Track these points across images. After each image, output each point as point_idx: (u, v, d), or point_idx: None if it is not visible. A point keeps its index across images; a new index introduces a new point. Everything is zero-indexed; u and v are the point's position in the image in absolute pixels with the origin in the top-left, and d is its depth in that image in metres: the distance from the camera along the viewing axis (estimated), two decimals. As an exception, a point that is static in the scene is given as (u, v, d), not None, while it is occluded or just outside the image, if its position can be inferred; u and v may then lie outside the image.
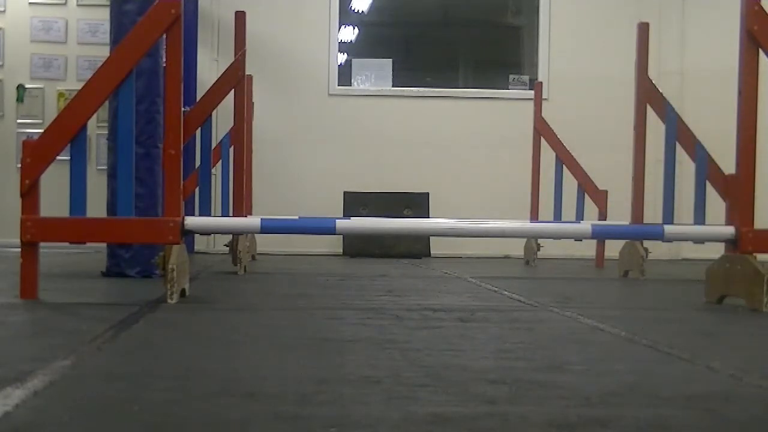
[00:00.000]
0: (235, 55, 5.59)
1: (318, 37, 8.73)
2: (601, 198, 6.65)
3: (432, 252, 8.30)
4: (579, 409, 1.54)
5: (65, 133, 3.33)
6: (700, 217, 4.80)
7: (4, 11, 8.82)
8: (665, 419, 1.48)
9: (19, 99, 8.80)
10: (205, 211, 5.47)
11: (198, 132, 5.51)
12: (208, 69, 8.30)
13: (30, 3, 8.82)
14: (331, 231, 3.62)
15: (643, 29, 5.79)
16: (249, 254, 6.18)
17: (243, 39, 5.66)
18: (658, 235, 4.01)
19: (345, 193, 8.47)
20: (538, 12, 8.94)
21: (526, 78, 9.01)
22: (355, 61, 9.03)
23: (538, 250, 7.14)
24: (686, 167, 5.57)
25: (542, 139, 7.15)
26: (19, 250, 3.29)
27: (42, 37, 8.83)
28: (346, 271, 5.85)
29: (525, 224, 4.78)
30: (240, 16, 5.74)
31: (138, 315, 2.88)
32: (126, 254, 4.51)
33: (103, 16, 7.10)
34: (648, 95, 5.58)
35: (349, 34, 9.16)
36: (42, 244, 3.34)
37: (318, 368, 1.95)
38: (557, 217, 6.76)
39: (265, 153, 8.29)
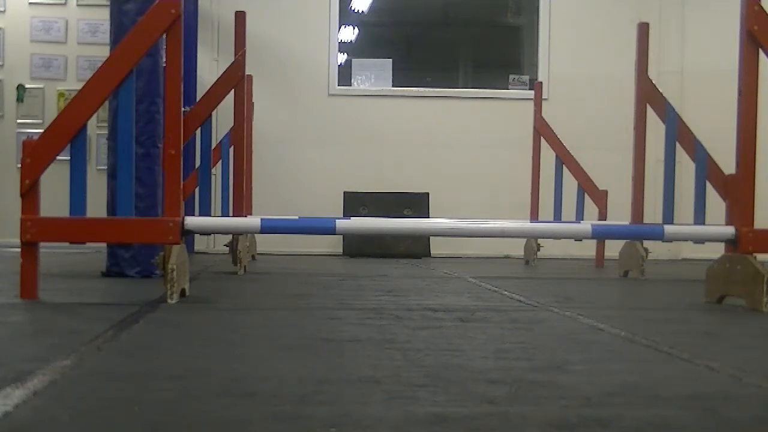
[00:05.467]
0: (235, 55, 5.60)
1: (318, 37, 8.73)
2: (601, 198, 6.65)
3: (432, 252, 8.30)
4: (579, 409, 1.54)
5: (65, 133, 3.33)
6: (700, 217, 4.80)
7: (4, 11, 8.82)
8: (665, 419, 1.48)
9: (19, 99, 8.80)
10: (205, 211, 5.47)
11: (198, 132, 5.51)
12: (208, 69, 8.30)
13: (30, 3, 8.82)
14: (331, 231, 3.62)
15: (643, 29, 5.79)
16: (249, 254, 6.18)
17: (243, 39, 5.66)
18: (658, 235, 4.01)
19: (345, 193, 8.47)
20: (538, 12, 8.94)
21: (526, 78, 9.01)
22: (355, 61, 9.03)
23: (538, 250, 7.14)
24: (686, 167, 5.57)
25: (542, 139, 7.15)
26: (19, 250, 3.29)
27: (42, 37, 8.83)
28: (346, 271, 5.85)
29: (525, 224, 4.78)
30: (240, 16, 5.74)
31: (138, 315, 2.88)
32: (126, 254, 4.51)
33: (103, 16, 7.11)
34: (648, 95, 5.58)
35: (349, 34, 9.16)
36: (42, 244, 3.34)
37: (318, 368, 1.95)
38: (557, 217, 6.76)
39: (265, 153, 8.30)
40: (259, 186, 7.91)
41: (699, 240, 4.04)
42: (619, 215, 6.18)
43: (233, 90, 5.53)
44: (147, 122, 4.47)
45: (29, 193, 3.28)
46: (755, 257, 3.50)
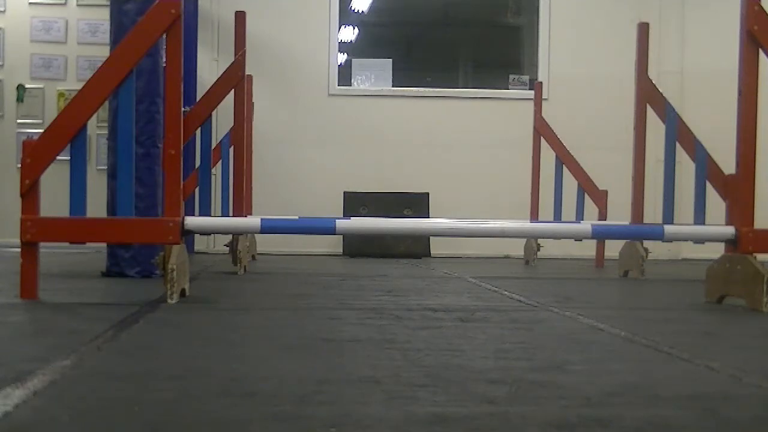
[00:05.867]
0: (235, 55, 5.60)
1: (318, 37, 8.73)
2: (601, 198, 6.65)
3: (432, 252, 8.30)
4: (579, 409, 1.54)
5: (65, 133, 3.33)
6: (700, 217, 4.80)
7: (4, 11, 8.82)
8: (665, 419, 1.48)
9: (19, 99, 8.80)
10: (205, 211, 5.47)
11: (198, 132, 5.51)
12: (208, 69, 8.30)
13: (30, 3, 8.82)
14: (331, 231, 3.62)
15: (643, 29, 5.79)
16: (249, 254, 6.18)
17: (243, 39, 5.66)
18: (658, 235, 4.01)
19: (345, 193, 8.47)
20: (538, 12, 8.94)
21: (526, 78, 9.01)
22: (355, 61, 9.03)
23: (538, 250, 7.14)
24: (686, 167, 5.57)
25: (542, 139, 7.15)
26: (19, 250, 3.29)
27: (42, 37, 8.83)
28: (346, 271, 5.85)
29: (525, 224, 4.78)
30: (240, 16, 5.74)
31: (138, 315, 2.88)
32: (126, 254, 4.51)
33: (103, 16, 7.11)
34: (648, 95, 5.58)
35: (349, 34, 9.16)
36: (42, 244, 3.34)
37: (318, 368, 1.95)
38: (557, 217, 6.76)
39: (265, 153, 8.30)
40: (259, 186, 7.91)
41: (699, 240, 4.04)
42: (619, 215, 6.17)
43: (233, 90, 5.53)
44: (147, 122, 4.47)
45: (29, 193, 3.28)
46: (755, 257, 3.50)
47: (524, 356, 2.17)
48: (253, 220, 3.79)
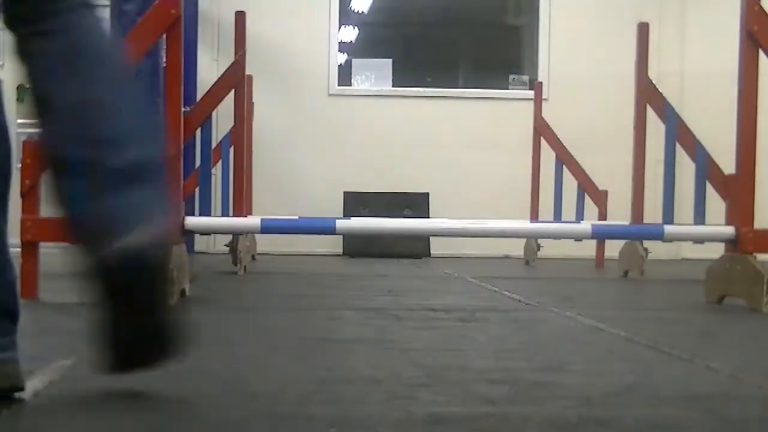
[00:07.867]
0: (235, 55, 5.59)
1: (318, 37, 8.73)
2: (601, 198, 6.64)
3: (432, 252, 8.30)
4: (579, 409, 1.54)
5: (65, 133, 3.33)
6: (700, 217, 4.79)
7: (4, 11, 8.82)
8: (665, 419, 1.48)
9: (19, 99, 8.80)
10: (205, 211, 5.47)
11: (198, 132, 5.50)
12: (208, 69, 8.30)
13: (30, 3, 8.81)
14: (331, 231, 3.62)
15: (643, 29, 5.79)
16: (249, 254, 6.17)
17: (243, 39, 5.66)
18: (658, 235, 4.01)
19: (345, 193, 8.46)
20: (538, 12, 8.94)
21: (526, 78, 9.01)
22: (355, 61, 9.03)
23: (538, 250, 7.14)
24: (686, 167, 5.57)
25: (542, 139, 7.15)
26: (19, 250, 3.28)
27: (42, 37, 8.83)
28: (346, 271, 5.85)
29: (525, 224, 4.78)
30: (240, 16, 5.74)
31: (138, 315, 2.87)
32: (126, 254, 4.50)
33: (103, 16, 7.11)
34: (648, 95, 5.58)
35: (349, 34, 9.16)
36: (42, 244, 3.34)
37: (318, 368, 1.95)
38: (557, 217, 6.75)
39: (265, 153, 8.28)
40: (259, 186, 7.90)
41: (699, 240, 4.03)
42: (619, 215, 6.17)
43: (233, 90, 5.52)
44: (147, 122, 4.46)
45: (29, 193, 3.28)
46: (755, 257, 3.50)
47: (524, 356, 2.17)
48: (253, 220, 3.80)
